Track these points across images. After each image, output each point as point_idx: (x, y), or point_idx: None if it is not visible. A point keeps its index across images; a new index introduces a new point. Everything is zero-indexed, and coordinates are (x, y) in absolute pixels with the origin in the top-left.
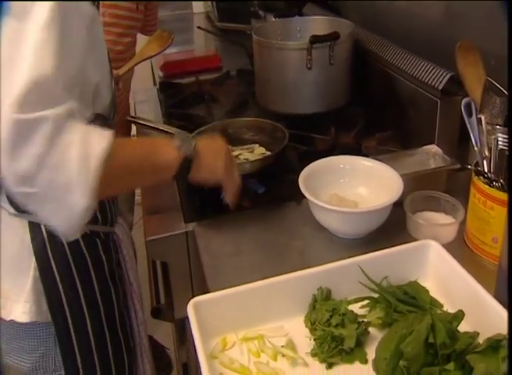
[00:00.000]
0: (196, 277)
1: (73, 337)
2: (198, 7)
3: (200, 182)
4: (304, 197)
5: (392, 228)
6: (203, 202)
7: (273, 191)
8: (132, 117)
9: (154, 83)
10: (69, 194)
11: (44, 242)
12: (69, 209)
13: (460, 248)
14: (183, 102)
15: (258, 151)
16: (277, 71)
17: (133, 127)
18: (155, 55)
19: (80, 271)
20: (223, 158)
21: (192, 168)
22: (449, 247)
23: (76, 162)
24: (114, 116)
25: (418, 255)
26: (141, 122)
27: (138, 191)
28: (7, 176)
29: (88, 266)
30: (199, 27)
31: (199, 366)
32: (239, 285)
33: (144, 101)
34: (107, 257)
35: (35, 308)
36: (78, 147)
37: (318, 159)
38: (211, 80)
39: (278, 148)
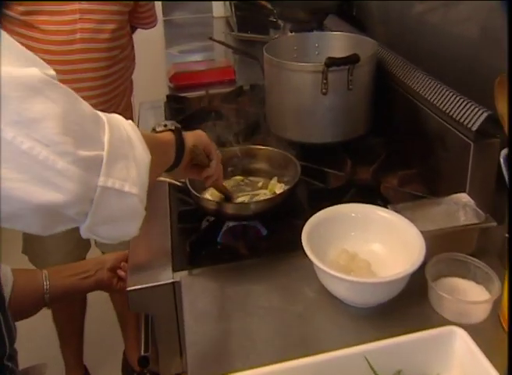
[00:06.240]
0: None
1: None
2: (218, 10)
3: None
4: None
5: (411, 296)
6: (194, 248)
7: (276, 236)
8: None
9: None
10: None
11: None
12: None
13: (494, 330)
14: (190, 120)
15: (273, 187)
16: (288, 94)
17: (134, 111)
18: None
19: None
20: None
21: (184, 137)
22: (479, 328)
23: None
24: None
25: (440, 345)
26: None
27: None
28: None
29: None
30: (211, 38)
31: None
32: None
33: (150, 111)
34: None
35: None
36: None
37: (329, 200)
38: (221, 94)
39: (288, 183)
